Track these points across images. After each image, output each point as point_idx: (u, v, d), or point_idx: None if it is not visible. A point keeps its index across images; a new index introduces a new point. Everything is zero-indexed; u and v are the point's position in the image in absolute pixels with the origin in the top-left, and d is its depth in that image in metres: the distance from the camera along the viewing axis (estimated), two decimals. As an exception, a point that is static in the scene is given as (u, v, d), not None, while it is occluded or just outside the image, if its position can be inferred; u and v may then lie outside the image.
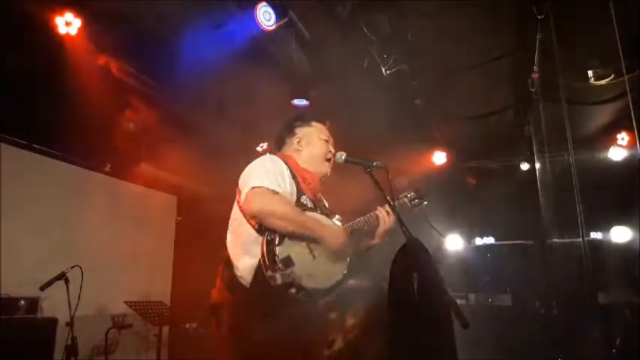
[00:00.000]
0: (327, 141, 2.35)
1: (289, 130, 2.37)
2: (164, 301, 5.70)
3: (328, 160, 2.33)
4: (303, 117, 2.41)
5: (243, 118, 5.56)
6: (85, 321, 4.52)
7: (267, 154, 2.26)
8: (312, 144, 2.32)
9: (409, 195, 2.40)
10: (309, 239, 2.01)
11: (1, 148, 4.44)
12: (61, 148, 5.07)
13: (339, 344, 2.82)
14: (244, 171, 2.16)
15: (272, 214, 1.96)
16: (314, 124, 2.38)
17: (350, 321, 2.88)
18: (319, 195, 2.33)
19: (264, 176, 2.05)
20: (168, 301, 6.00)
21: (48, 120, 4.54)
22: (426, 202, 2.43)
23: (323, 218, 2.13)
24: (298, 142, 2.33)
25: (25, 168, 4.71)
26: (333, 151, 2.35)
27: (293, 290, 1.90)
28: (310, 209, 2.14)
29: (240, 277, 2.01)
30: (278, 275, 1.87)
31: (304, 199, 2.16)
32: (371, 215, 2.27)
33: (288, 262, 1.92)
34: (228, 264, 2.08)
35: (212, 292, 2.17)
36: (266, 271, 1.90)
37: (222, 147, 5.62)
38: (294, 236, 1.98)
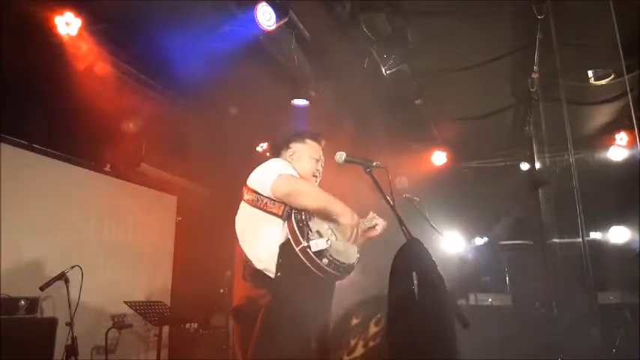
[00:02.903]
0: (317, 160, 2.53)
1: (285, 143, 2.56)
2: (164, 301, 5.69)
3: (315, 177, 2.52)
4: (300, 134, 2.59)
5: (243, 118, 5.56)
6: (85, 321, 4.51)
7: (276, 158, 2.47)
8: (303, 160, 2.50)
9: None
10: (333, 215, 2.18)
11: (1, 148, 4.44)
12: (61, 148, 5.06)
13: (359, 351, 2.82)
14: (258, 168, 2.33)
15: (302, 193, 2.18)
16: (308, 142, 2.55)
17: (373, 329, 2.88)
18: None
19: (281, 166, 2.29)
20: (168, 301, 5.99)
21: (48, 120, 4.53)
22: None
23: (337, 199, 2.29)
24: (290, 156, 2.51)
25: (25, 168, 4.71)
26: (320, 169, 2.55)
27: (325, 260, 2.05)
28: None
29: (265, 269, 2.14)
30: (314, 242, 2.05)
31: None
32: (369, 220, 2.49)
33: (319, 234, 2.12)
34: (248, 263, 2.19)
35: (234, 295, 2.29)
36: (298, 245, 2.06)
37: (223, 147, 5.62)
38: (320, 213, 2.19)
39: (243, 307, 2.18)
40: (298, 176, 2.31)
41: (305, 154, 2.51)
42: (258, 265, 2.15)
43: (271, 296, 2.08)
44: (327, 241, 2.05)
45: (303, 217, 2.15)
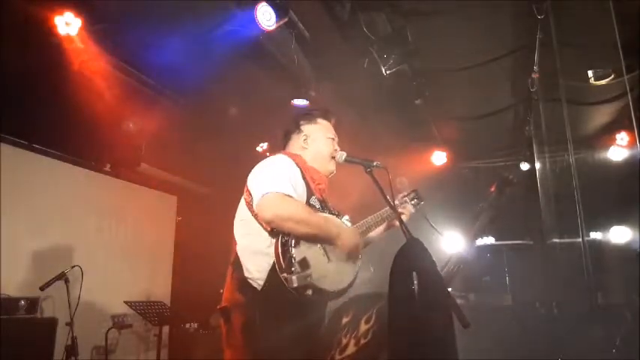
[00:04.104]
0: (332, 139, 2.33)
1: (296, 127, 2.34)
2: (164, 301, 5.70)
3: (333, 157, 2.31)
4: (309, 114, 2.38)
5: (243, 118, 5.56)
6: (85, 321, 4.51)
7: (280, 153, 2.23)
8: (318, 142, 2.30)
9: (409, 195, 2.46)
10: (325, 240, 2.00)
11: (1, 148, 4.44)
12: (61, 148, 5.06)
13: (351, 349, 2.82)
14: (255, 170, 2.13)
15: (289, 218, 1.93)
16: (320, 121, 2.36)
17: (363, 326, 2.88)
18: (326, 195, 2.30)
19: (277, 180, 2.01)
20: (168, 301, 6.00)
21: (48, 120, 4.53)
22: (423, 203, 2.49)
23: (335, 219, 2.12)
24: (304, 140, 2.30)
25: (25, 168, 4.71)
26: (338, 149, 2.33)
27: (310, 292, 1.88)
28: (319, 210, 2.12)
29: (251, 278, 1.99)
30: (294, 277, 1.84)
31: (313, 200, 2.14)
32: (381, 213, 2.32)
33: (304, 264, 1.89)
34: (238, 266, 2.05)
35: (223, 295, 2.12)
36: (281, 273, 1.88)
37: (223, 147, 5.63)
38: (310, 239, 1.96)
39: (226, 309, 2.06)
40: (294, 183, 2.06)
41: (319, 135, 2.31)
42: (245, 273, 2.00)
43: (255, 310, 1.94)
44: (308, 277, 1.85)
45: (289, 241, 1.91)
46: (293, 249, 1.90)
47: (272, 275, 1.93)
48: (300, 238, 1.93)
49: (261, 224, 2.02)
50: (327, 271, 1.97)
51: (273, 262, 1.92)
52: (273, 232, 1.97)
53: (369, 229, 2.29)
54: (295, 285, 1.84)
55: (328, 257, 2.01)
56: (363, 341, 2.82)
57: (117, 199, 5.73)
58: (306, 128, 2.32)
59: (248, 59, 4.17)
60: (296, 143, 2.32)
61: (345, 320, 2.88)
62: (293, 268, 1.86)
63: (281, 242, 1.92)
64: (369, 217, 2.30)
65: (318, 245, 2.00)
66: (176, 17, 3.77)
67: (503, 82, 5.29)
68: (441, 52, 4.72)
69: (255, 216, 2.03)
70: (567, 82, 4.45)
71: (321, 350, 2.17)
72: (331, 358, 2.78)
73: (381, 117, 5.68)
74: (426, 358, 1.71)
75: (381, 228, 2.39)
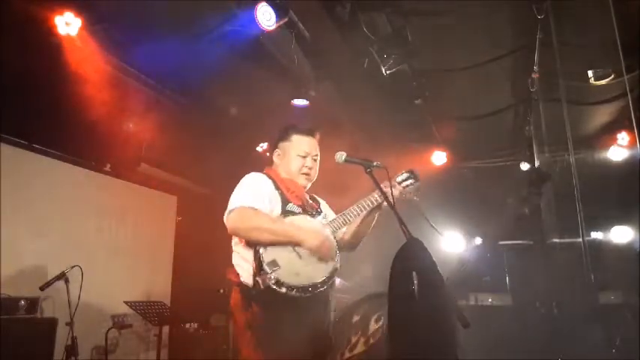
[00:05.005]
0: (303, 156, 2.42)
1: (274, 143, 2.52)
2: (164, 301, 5.70)
3: (304, 174, 2.42)
4: (286, 130, 2.50)
5: (243, 118, 5.56)
6: (85, 321, 4.51)
7: (253, 172, 2.37)
8: (287, 159, 2.43)
9: (402, 177, 2.42)
10: (292, 244, 2.14)
11: (1, 148, 4.44)
12: (61, 148, 5.07)
13: (360, 348, 2.85)
14: (236, 188, 2.29)
15: (252, 229, 2.12)
16: (294, 137, 2.45)
17: (374, 326, 2.90)
18: (306, 199, 2.41)
19: (242, 195, 2.21)
20: (168, 301, 6.00)
21: (48, 120, 4.53)
22: (419, 183, 2.47)
23: (305, 221, 2.26)
24: (278, 155, 2.47)
25: (25, 168, 4.71)
26: (309, 165, 2.43)
27: (283, 289, 2.02)
28: (297, 214, 2.28)
29: (244, 282, 2.16)
30: (261, 279, 2.03)
31: (290, 206, 2.29)
32: (360, 203, 2.37)
33: (273, 265, 2.06)
34: (234, 269, 2.24)
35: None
36: (255, 276, 2.07)
37: (223, 147, 5.62)
38: (277, 244, 2.11)
39: (232, 309, 2.22)
40: (261, 198, 2.21)
41: (289, 152, 2.43)
42: (241, 278, 2.19)
43: (255, 311, 2.09)
44: (272, 276, 2.01)
45: (259, 248, 2.10)
46: (263, 253, 2.08)
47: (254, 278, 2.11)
48: (267, 245, 2.10)
49: None
50: (299, 268, 2.10)
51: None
52: (248, 243, 2.16)
53: (346, 221, 2.35)
54: (262, 286, 2.01)
55: (300, 256, 2.14)
56: (372, 341, 2.85)
57: (117, 199, 5.73)
58: (281, 145, 2.48)
59: (248, 59, 4.17)
60: (274, 158, 2.50)
61: (355, 319, 2.92)
62: (262, 270, 2.04)
63: (255, 249, 2.11)
64: (347, 210, 2.37)
65: (290, 247, 2.14)
66: (176, 17, 3.77)
67: (503, 82, 5.28)
68: (441, 52, 4.72)
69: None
70: (567, 82, 4.45)
71: (323, 349, 2.23)
72: (341, 355, 2.81)
73: (381, 117, 5.68)
74: (426, 358, 1.72)
75: (369, 218, 2.43)
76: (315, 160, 2.46)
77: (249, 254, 2.15)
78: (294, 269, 2.08)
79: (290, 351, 2.01)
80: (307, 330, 2.12)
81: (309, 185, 2.48)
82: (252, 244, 2.13)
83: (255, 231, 2.11)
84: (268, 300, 2.04)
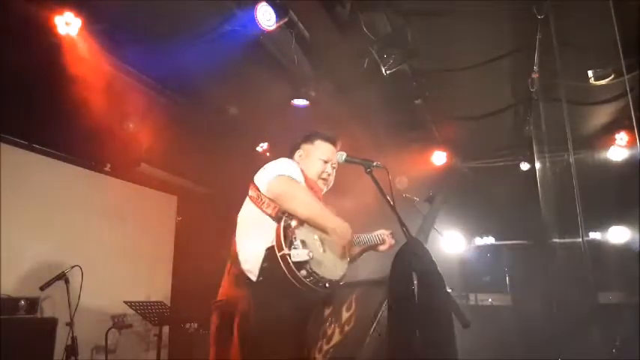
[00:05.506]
0: (325, 162, 2.47)
1: (297, 144, 2.56)
2: (164, 301, 5.70)
3: (323, 179, 2.47)
4: (311, 134, 2.56)
5: (243, 118, 5.56)
6: (85, 321, 4.51)
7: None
8: (310, 161, 2.47)
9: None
10: (323, 227, 2.12)
11: (1, 148, 4.44)
12: (61, 148, 5.06)
13: (337, 337, 2.87)
14: (265, 167, 2.31)
15: (294, 197, 2.13)
16: (317, 142, 2.52)
17: (345, 314, 2.94)
18: (324, 202, 2.41)
19: (289, 168, 2.26)
20: (168, 301, 6.00)
21: (48, 120, 4.53)
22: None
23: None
24: (300, 156, 2.51)
25: (25, 168, 4.71)
26: (329, 172, 2.48)
27: (303, 272, 1.96)
28: None
29: (248, 270, 2.10)
30: (294, 252, 1.96)
31: None
32: (376, 236, 2.47)
33: (304, 244, 2.02)
34: (235, 260, 2.17)
35: (219, 291, 2.27)
36: (280, 251, 1.98)
37: (223, 147, 5.62)
38: (309, 221, 2.10)
39: (221, 304, 2.21)
40: (301, 181, 2.26)
41: (312, 155, 2.48)
42: (244, 265, 2.12)
43: (250, 303, 2.04)
44: (309, 253, 1.96)
45: (292, 223, 2.07)
46: (296, 229, 2.05)
47: (269, 258, 2.03)
48: (301, 222, 2.08)
49: (264, 211, 2.16)
50: (322, 259, 2.07)
51: (266, 253, 2.04)
52: (277, 217, 2.10)
53: (358, 243, 2.43)
54: (294, 260, 1.94)
55: (323, 248, 2.12)
56: (347, 328, 2.89)
57: (117, 199, 5.73)
58: (304, 147, 2.53)
59: (248, 59, 4.17)
60: (296, 157, 2.52)
61: (327, 311, 2.94)
62: (294, 245, 1.99)
63: (284, 224, 2.05)
64: (364, 236, 2.45)
65: (315, 236, 2.12)
66: (176, 17, 3.77)
67: (503, 82, 5.29)
68: (441, 52, 4.72)
69: (261, 206, 2.17)
70: (567, 82, 4.45)
71: (310, 341, 2.26)
72: (319, 348, 2.82)
73: (381, 117, 5.68)
74: (426, 358, 1.72)
75: (359, 254, 2.51)
76: (334, 168, 2.52)
77: (268, 235, 2.07)
78: (318, 257, 2.05)
79: (284, 344, 1.99)
80: (302, 325, 2.11)
81: (324, 191, 2.51)
82: (280, 221, 2.07)
83: (296, 200, 2.11)
84: (275, 291, 2.00)
